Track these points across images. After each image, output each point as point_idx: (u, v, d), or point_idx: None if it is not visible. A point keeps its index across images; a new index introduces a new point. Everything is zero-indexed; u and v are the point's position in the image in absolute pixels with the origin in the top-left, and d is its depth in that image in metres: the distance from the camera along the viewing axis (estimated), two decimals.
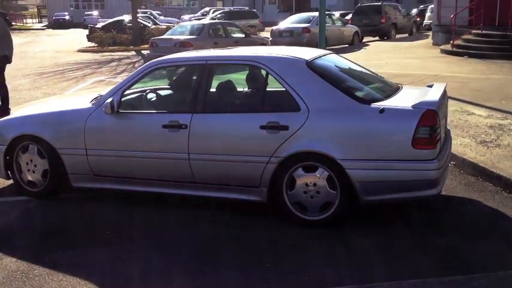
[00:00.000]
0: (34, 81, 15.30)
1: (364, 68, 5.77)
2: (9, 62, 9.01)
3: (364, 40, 25.14)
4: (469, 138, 7.01)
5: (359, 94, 4.88)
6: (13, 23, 45.28)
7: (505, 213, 4.97)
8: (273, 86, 4.98)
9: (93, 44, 26.77)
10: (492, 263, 4.03)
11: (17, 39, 39.54)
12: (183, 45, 15.53)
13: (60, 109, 5.78)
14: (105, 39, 26.02)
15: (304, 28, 20.38)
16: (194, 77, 5.22)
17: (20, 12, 69.33)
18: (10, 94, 11.36)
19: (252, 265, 4.06)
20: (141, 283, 3.88)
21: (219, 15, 32.69)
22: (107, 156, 5.29)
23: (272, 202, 4.88)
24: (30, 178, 5.62)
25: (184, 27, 17.70)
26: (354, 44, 22.74)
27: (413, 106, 4.55)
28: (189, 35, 16.65)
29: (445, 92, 5.23)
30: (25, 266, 4.11)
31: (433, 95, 4.84)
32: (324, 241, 4.49)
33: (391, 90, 5.19)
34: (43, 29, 53.79)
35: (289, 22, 22.09)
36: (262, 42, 18.48)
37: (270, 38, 21.61)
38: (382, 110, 4.57)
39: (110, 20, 31.33)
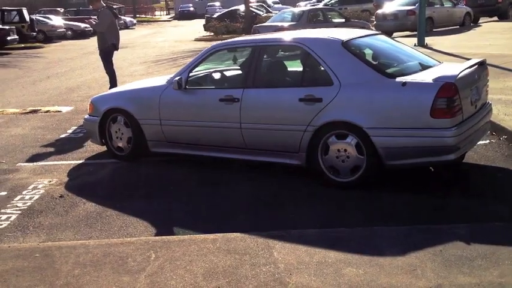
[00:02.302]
0: (149, 67, 16.92)
1: (409, 47, 6.22)
2: (117, 49, 10.36)
3: (480, 21, 24.34)
4: None
5: (388, 70, 5.39)
6: (137, 16, 48.27)
7: None
8: (312, 63, 5.63)
9: (208, 33, 28.43)
10: (479, 217, 4.47)
11: (143, 30, 43.11)
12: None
13: (142, 86, 6.87)
14: (219, 28, 27.59)
15: (409, 11, 20.29)
16: (247, 57, 6.01)
17: (151, 5, 74.08)
18: (125, 79, 12.91)
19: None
20: (186, 224, 4.77)
21: (333, 1, 33.00)
22: (177, 126, 6.25)
23: (310, 166, 5.55)
24: (118, 144, 6.76)
25: (285, 13, 18.48)
26: (465, 25, 22.14)
27: (433, 79, 4.99)
28: (290, 21, 17.40)
29: (479, 66, 5.57)
30: (100, 209, 5.18)
31: (457, 69, 5.22)
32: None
33: (425, 66, 5.62)
34: (169, 21, 57.35)
35: (396, 5, 22.01)
36: (363, 26, 18.74)
37: (375, 22, 21.76)
38: (404, 83, 5.06)
39: (225, 10, 32.93)
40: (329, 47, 5.55)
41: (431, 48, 15.90)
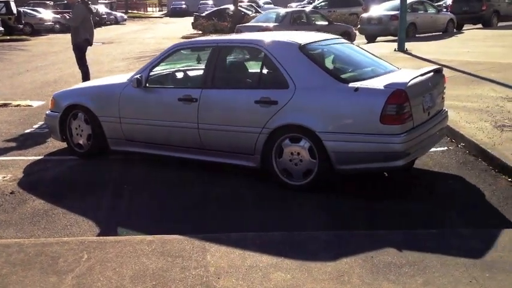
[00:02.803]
0: (130, 64, 16.84)
1: (369, 53, 6.25)
2: (90, 44, 10.33)
3: (464, 28, 24.46)
4: (490, 123, 7.17)
5: (343, 75, 5.42)
6: (129, 11, 47.93)
7: (478, 188, 5.29)
8: (269, 66, 5.64)
9: (196, 31, 28.42)
10: (419, 223, 4.49)
11: (134, 26, 42.98)
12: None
13: (103, 83, 6.85)
14: (207, 26, 27.60)
15: (392, 16, 20.32)
16: (207, 58, 6.00)
17: (144, 1, 73.85)
18: (103, 75, 12.83)
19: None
20: (131, 225, 4.75)
21: (322, 3, 33.05)
22: (136, 124, 6.23)
23: (264, 168, 5.55)
24: (79, 141, 6.72)
25: (270, 14, 18.50)
26: (448, 31, 22.25)
27: (385, 86, 5.02)
28: (273, 22, 17.42)
29: (435, 73, 5.64)
30: (49, 207, 5.14)
31: (410, 76, 5.24)
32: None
33: (382, 72, 5.65)
34: (161, 17, 57.27)
35: (382, 9, 22.09)
36: (346, 30, 18.80)
37: (359, 26, 21.82)
38: (356, 89, 5.09)
39: (215, 8, 32.92)
40: (286, 50, 5.56)
41: (410, 54, 15.97)
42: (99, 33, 35.75)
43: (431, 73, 5.63)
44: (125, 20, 48.74)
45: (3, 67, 16.85)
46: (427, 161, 6.19)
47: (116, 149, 6.53)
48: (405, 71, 5.85)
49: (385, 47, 18.62)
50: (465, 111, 7.95)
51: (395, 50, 16.93)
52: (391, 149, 4.97)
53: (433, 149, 6.60)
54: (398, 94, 4.94)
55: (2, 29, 25.23)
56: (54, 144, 7.28)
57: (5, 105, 10.25)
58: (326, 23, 18.63)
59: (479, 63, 12.76)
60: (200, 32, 27.96)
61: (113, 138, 6.48)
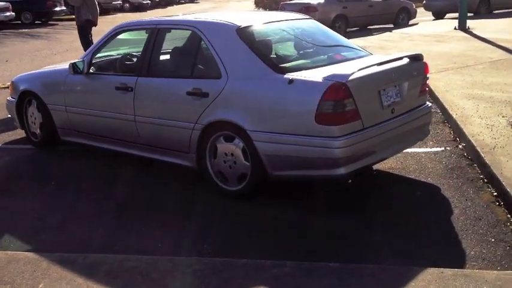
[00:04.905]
0: None
1: (339, 37, 5.29)
2: (94, 25, 9.88)
3: None
4: (507, 119, 6.01)
5: (285, 64, 4.53)
6: None
7: (449, 204, 4.27)
8: (204, 51, 4.81)
9: (258, 9, 27.65)
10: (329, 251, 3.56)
11: (206, 4, 42.81)
12: (308, 10, 15.31)
13: (51, 68, 6.31)
14: (269, 3, 26.69)
15: None
16: (145, 41, 5.28)
17: None
18: None
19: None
20: (18, 234, 4.19)
21: None
22: (80, 114, 5.63)
23: (200, 169, 4.81)
24: (33, 130, 6.27)
25: None
26: None
27: (324, 78, 4.09)
28: None
29: (411, 61, 4.70)
30: None
31: (361, 65, 4.28)
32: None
33: (340, 60, 4.71)
34: None
35: None
36: (404, 6, 17.31)
37: (424, 1, 20.17)
38: (291, 81, 4.19)
39: None
40: (221, 33, 4.72)
41: (470, 33, 14.42)
42: (166, 11, 35.98)
43: (400, 61, 4.62)
44: None
45: (46, 46, 16.91)
46: (409, 164, 5.19)
47: (66, 139, 5.98)
48: (372, 58, 4.84)
49: (445, 25, 17.05)
50: (487, 102, 6.75)
51: (455, 29, 15.40)
52: (328, 154, 4.05)
53: (427, 149, 5.62)
54: (336, 88, 3.99)
55: (65, 8, 25.50)
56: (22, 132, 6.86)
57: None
58: None
59: None
60: (261, 9, 27.16)
61: (62, 128, 5.94)
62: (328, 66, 4.46)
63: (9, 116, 6.70)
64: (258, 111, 4.32)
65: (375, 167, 5.06)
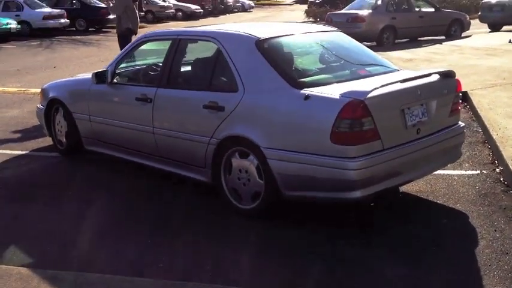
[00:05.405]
0: None
1: (368, 51, 5.03)
2: (134, 33, 9.90)
3: None
4: None
5: (304, 78, 4.31)
6: None
7: (476, 235, 3.94)
8: (222, 63, 4.62)
9: (307, 19, 27.47)
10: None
11: (258, 13, 42.92)
12: (355, 20, 15.00)
13: (78, 77, 6.29)
14: (319, 13, 26.47)
15: None
16: (166, 52, 5.17)
17: None
18: None
19: None
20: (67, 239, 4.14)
21: None
22: (103, 124, 5.58)
23: (216, 184, 4.64)
24: (59, 138, 6.26)
25: (366, 0, 16.94)
26: None
27: (341, 95, 3.86)
28: (367, 8, 15.94)
29: (442, 78, 4.41)
30: None
31: (383, 81, 4.01)
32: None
33: (364, 75, 4.45)
34: (291, 4, 56.57)
35: None
36: (457, 18, 16.70)
37: (480, 13, 19.44)
38: (307, 97, 3.97)
39: None
40: (240, 45, 4.55)
41: None
42: (220, 20, 36.23)
43: (428, 78, 4.33)
44: (252, 7, 48.82)
45: (94, 53, 17.23)
46: (439, 188, 4.86)
47: (91, 149, 5.94)
48: (394, 74, 4.54)
49: (499, 38, 16.34)
50: None
51: (509, 42, 14.72)
52: (342, 176, 3.81)
53: (461, 172, 5.27)
54: (353, 106, 3.75)
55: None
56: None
57: None
58: (432, 9, 16.66)
59: None
60: (311, 19, 26.95)
61: (86, 137, 5.91)
62: (349, 82, 4.21)
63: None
64: (272, 127, 4.13)
65: (402, 188, 4.78)
